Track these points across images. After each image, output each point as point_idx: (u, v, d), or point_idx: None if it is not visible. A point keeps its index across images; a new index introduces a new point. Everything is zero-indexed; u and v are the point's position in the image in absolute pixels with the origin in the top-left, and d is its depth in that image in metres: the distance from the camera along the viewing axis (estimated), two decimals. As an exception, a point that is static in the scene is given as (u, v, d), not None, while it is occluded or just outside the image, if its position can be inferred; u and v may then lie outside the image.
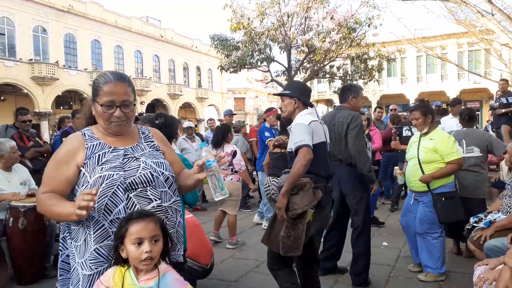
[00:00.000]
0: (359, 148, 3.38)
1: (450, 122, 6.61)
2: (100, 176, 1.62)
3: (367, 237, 3.67)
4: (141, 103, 30.96)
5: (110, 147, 1.73)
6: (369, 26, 13.79)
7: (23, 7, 23.50)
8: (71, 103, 28.54)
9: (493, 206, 3.49)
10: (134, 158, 1.73)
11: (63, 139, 5.72)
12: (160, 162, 1.78)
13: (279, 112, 6.94)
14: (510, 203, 3.15)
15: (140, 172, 1.68)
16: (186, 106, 36.50)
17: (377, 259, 4.39)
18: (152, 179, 1.69)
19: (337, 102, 28.92)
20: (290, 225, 2.67)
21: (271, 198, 3.33)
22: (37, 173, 5.15)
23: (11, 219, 3.78)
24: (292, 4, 13.03)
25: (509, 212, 3.10)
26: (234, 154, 5.12)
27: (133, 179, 1.65)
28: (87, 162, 1.67)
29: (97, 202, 1.58)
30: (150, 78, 32.10)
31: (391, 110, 8.61)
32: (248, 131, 8.80)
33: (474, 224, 3.28)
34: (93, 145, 1.72)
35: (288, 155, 2.98)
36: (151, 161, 1.74)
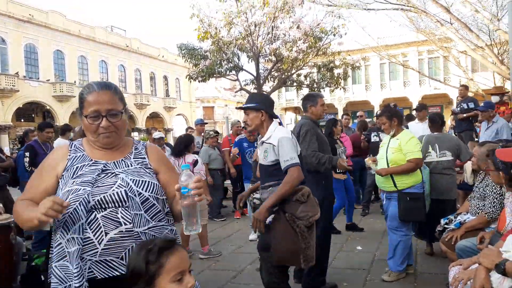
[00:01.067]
0: (308, 151, 3.43)
1: (417, 127, 6.85)
2: (68, 190, 1.51)
3: (324, 240, 3.59)
4: (107, 114, 30.22)
5: (91, 160, 1.62)
6: (334, 35, 14.09)
7: (-20, 16, 22.57)
8: (33, 115, 27.51)
9: (462, 207, 3.63)
10: (113, 174, 1.58)
11: (26, 153, 5.52)
12: (142, 180, 1.60)
13: (242, 125, 7.02)
14: (478, 204, 3.29)
15: (114, 190, 1.52)
16: (154, 116, 36.01)
17: (352, 263, 4.47)
18: (125, 199, 1.52)
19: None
20: (307, 235, 2.61)
21: (255, 208, 3.18)
22: (0, 189, 4.94)
23: (-26, 239, 3.58)
24: (259, 14, 13.16)
25: (478, 213, 3.23)
26: (195, 163, 5.08)
27: (103, 196, 1.50)
28: (64, 174, 1.59)
29: (60, 219, 1.46)
30: (116, 88, 31.40)
31: (359, 116, 8.84)
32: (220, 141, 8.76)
33: (445, 226, 3.40)
34: (76, 156, 1.63)
35: (266, 169, 2.87)
36: (131, 179, 1.58)
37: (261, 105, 2.89)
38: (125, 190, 1.53)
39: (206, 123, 9.82)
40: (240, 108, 3.02)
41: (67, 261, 1.48)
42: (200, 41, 13.64)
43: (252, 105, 2.91)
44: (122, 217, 1.51)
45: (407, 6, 11.04)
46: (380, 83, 33.59)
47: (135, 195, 1.55)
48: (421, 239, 4.72)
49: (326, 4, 12.41)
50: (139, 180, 1.60)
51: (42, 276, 3.67)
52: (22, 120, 26.23)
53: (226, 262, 4.81)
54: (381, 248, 4.94)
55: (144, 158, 1.73)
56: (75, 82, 27.76)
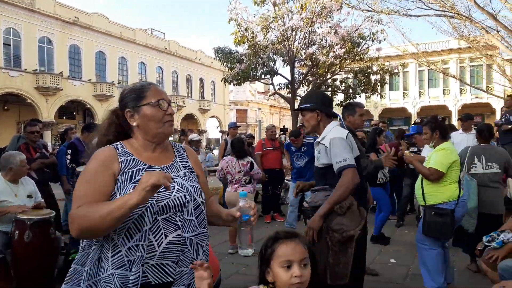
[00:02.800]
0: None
1: (460, 137, 6.59)
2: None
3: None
4: (144, 114, 31.05)
5: (145, 164, 1.57)
6: (372, 41, 13.88)
7: (29, 18, 23.78)
8: (74, 113, 28.67)
9: (506, 225, 3.45)
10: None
11: (68, 151, 5.74)
12: (195, 186, 1.61)
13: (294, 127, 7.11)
14: (523, 222, 3.12)
15: (175, 195, 1.50)
16: (188, 118, 36.61)
17: (385, 276, 4.34)
18: (184, 204, 1.52)
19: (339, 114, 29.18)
20: (339, 250, 2.42)
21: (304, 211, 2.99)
22: (41, 185, 5.14)
23: (17, 232, 3.73)
24: (296, 19, 13.13)
25: (523, 232, 3.06)
26: (250, 164, 5.37)
27: (167, 202, 1.48)
28: (119, 177, 1.50)
29: (120, 226, 1.43)
30: (153, 89, 32.23)
31: (373, 125, 8.70)
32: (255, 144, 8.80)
33: (487, 244, 3.24)
34: (127, 160, 1.55)
35: (318, 171, 2.76)
36: (189, 184, 1.58)
37: (316, 105, 2.76)
38: (184, 195, 1.53)
39: (239, 127, 9.89)
40: (296, 109, 2.95)
41: (126, 270, 1.43)
42: (237, 45, 13.77)
43: (307, 105, 2.79)
44: (179, 221, 1.51)
45: (451, 12, 10.68)
46: (419, 91, 32.68)
47: (191, 200, 1.55)
48: (466, 253, 4.50)
49: (366, 10, 12.21)
50: (193, 185, 1.61)
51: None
52: (64, 118, 27.38)
53: (255, 267, 4.79)
54: (416, 262, 4.75)
55: (187, 161, 1.72)
56: (113, 82, 28.70)
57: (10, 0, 22.51)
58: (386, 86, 26.33)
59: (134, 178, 1.50)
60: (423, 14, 11.24)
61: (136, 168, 1.54)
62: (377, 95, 16.61)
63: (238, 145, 5.57)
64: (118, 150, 1.57)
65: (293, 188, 6.36)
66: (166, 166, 1.62)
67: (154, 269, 1.45)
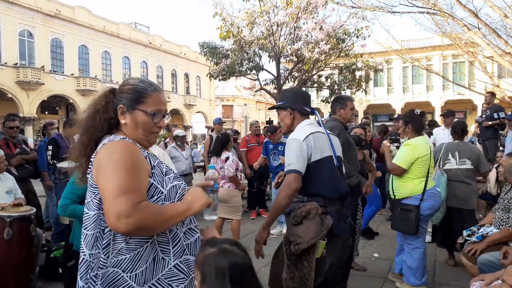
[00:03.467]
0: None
1: (443, 133, 6.71)
2: (173, 186, 1.54)
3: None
4: (128, 109, 30.72)
5: (155, 157, 1.61)
6: (357, 37, 13.94)
7: (9, 10, 23.19)
8: (57, 108, 28.15)
9: (486, 219, 3.53)
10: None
11: (49, 147, 5.63)
12: None
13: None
14: (502, 216, 3.18)
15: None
16: (174, 113, 36.29)
17: (369, 271, 4.39)
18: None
19: (324, 111, 29.04)
20: (292, 263, 2.23)
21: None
22: (22, 181, 5.03)
23: (-4, 229, 3.66)
24: (282, 14, 13.09)
25: (502, 226, 3.12)
26: (226, 159, 5.27)
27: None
28: (154, 171, 1.52)
29: None
30: (137, 84, 31.90)
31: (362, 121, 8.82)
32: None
33: (467, 238, 3.30)
34: (148, 154, 1.56)
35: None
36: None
37: (288, 103, 2.61)
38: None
39: (224, 122, 9.85)
40: (271, 108, 2.81)
41: (187, 254, 1.54)
42: (222, 40, 13.68)
43: (280, 103, 2.66)
44: None
45: (434, 9, 10.79)
46: (403, 87, 33.07)
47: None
48: (446, 248, 4.60)
49: (351, 6, 12.25)
50: None
51: (60, 269, 3.73)
52: (46, 113, 26.87)
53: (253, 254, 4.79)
54: (398, 256, 4.84)
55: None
56: (97, 77, 28.25)
57: (-11, -9, 21.93)
58: (371, 82, 26.55)
59: (163, 171, 1.56)
60: (407, 11, 11.34)
61: (156, 161, 1.57)
62: (362, 91, 16.72)
63: (214, 143, 5.62)
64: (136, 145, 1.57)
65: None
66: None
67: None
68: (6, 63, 23.06)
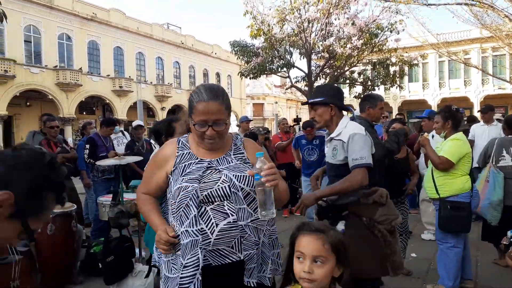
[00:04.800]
0: None
1: (482, 130, 6.40)
2: (178, 187, 1.66)
3: None
4: (162, 109, 31.36)
5: (197, 158, 1.75)
6: (391, 31, 13.62)
7: (49, 15, 24.18)
8: (94, 108, 29.12)
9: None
10: (217, 171, 1.70)
11: (86, 145, 5.82)
12: (243, 176, 1.70)
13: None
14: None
15: (219, 186, 1.65)
16: (206, 112, 36.75)
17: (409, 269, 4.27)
18: (229, 194, 1.65)
19: (357, 107, 28.83)
20: (391, 239, 2.37)
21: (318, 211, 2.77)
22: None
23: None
24: (313, 10, 12.97)
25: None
26: None
27: (210, 191, 1.64)
28: (174, 170, 1.74)
29: (175, 212, 1.69)
30: (170, 84, 32.51)
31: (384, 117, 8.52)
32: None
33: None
34: (183, 154, 1.77)
35: (335, 169, 2.65)
36: (233, 174, 1.68)
37: (329, 99, 2.63)
38: (228, 185, 1.65)
39: (251, 120, 9.85)
40: (307, 103, 2.80)
41: (179, 254, 1.65)
42: (253, 38, 13.70)
43: (320, 99, 2.65)
44: (228, 209, 1.64)
45: (472, 0, 10.38)
46: (439, 82, 32.02)
47: (237, 190, 1.66)
48: (491, 243, 4.39)
49: (384, 0, 11.96)
50: (241, 175, 1.69)
51: (99, 264, 3.84)
52: (84, 113, 27.84)
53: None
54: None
55: (243, 153, 1.82)
56: (131, 77, 29.00)
57: (30, -3, 22.93)
58: (406, 78, 25.82)
59: (184, 172, 1.71)
60: (443, 3, 10.96)
61: (189, 162, 1.74)
62: (396, 87, 16.33)
63: None
64: (179, 144, 1.81)
65: (305, 182, 6.25)
66: (217, 160, 1.75)
67: (212, 253, 1.63)
68: (46, 65, 24.08)
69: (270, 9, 13.42)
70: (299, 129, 8.21)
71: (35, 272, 3.37)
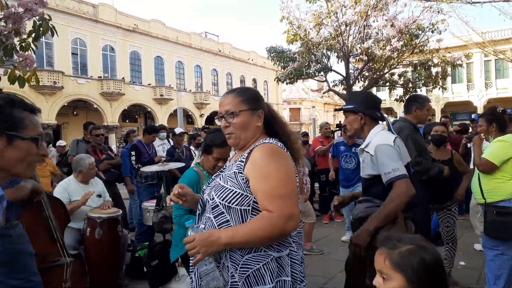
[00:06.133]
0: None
1: (531, 132, 6.04)
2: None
3: None
4: (201, 115, 31.96)
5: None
6: (432, 31, 13.19)
7: (94, 28, 25.37)
8: (136, 116, 30.12)
9: None
10: (218, 175, 1.72)
11: (132, 152, 6.02)
12: (220, 185, 1.59)
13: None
14: None
15: (205, 192, 1.69)
16: (243, 118, 37.04)
17: (456, 280, 4.09)
18: (205, 202, 1.65)
19: (398, 110, 27.76)
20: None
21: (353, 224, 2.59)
22: (109, 185, 5.43)
23: (88, 229, 3.98)
24: (350, 13, 12.79)
25: None
26: None
27: (200, 199, 1.70)
28: None
29: None
30: (209, 91, 33.08)
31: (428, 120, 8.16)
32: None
33: None
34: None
35: (363, 183, 2.53)
36: (216, 183, 1.65)
37: (359, 106, 2.49)
38: (207, 193, 1.64)
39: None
40: (339, 109, 2.72)
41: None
42: (289, 43, 13.68)
43: (350, 106, 2.54)
44: (204, 218, 1.64)
45: (520, -4, 9.84)
46: (485, 82, 30.55)
47: (210, 199, 1.60)
48: None
49: (425, 0, 11.59)
50: (219, 185, 1.61)
51: (144, 268, 3.95)
52: (127, 121, 28.88)
53: (315, 268, 4.74)
54: (488, 265, 4.47)
55: (242, 163, 1.60)
56: (170, 85, 29.77)
57: (76, 12, 24.15)
58: (449, 79, 24.86)
59: None
60: (488, 0, 10.46)
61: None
62: (439, 88, 15.74)
63: None
64: None
65: (342, 192, 6.07)
66: (229, 165, 1.72)
67: None
68: (91, 76, 25.23)
69: (306, 14, 13.37)
70: (340, 134, 8.05)
71: (85, 275, 3.51)
